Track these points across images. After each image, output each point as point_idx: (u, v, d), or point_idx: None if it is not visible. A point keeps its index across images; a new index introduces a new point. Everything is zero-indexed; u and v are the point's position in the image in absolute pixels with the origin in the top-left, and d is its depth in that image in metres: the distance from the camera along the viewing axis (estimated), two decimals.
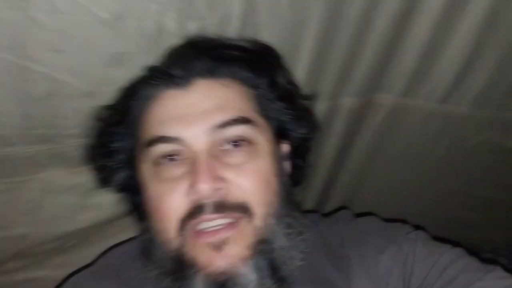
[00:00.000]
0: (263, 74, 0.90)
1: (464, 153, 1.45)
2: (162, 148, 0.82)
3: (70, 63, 0.89)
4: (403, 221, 0.99)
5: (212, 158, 0.79)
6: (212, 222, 0.78)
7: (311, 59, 1.09)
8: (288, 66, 1.07)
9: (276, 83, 0.92)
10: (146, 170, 0.85)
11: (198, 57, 0.86)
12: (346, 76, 1.17)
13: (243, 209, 0.80)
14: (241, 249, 0.78)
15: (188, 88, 0.85)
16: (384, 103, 1.29)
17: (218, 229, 0.78)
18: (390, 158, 1.47)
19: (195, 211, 0.78)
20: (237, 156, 0.82)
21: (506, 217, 1.77)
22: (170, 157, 0.82)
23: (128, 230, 1.10)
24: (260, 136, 0.85)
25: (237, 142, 0.82)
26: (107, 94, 0.94)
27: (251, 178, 0.81)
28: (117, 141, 0.91)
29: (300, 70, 1.11)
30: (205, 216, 0.77)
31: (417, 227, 0.95)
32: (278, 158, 0.89)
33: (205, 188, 0.76)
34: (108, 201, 1.09)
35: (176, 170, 0.81)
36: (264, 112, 0.89)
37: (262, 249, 0.80)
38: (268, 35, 1.00)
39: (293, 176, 0.98)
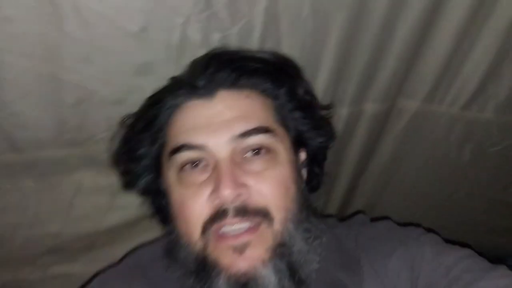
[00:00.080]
0: (282, 85, 0.94)
1: (488, 159, 1.43)
2: (186, 155, 0.86)
3: (99, 73, 0.94)
4: (418, 225, 1.00)
5: (234, 165, 0.83)
6: (234, 226, 0.81)
7: (333, 66, 1.11)
8: (310, 73, 1.09)
9: (295, 94, 0.95)
10: (170, 175, 0.89)
11: (221, 69, 0.90)
12: (368, 82, 1.18)
13: (263, 214, 0.83)
14: (262, 252, 0.82)
15: (212, 98, 0.88)
16: (407, 109, 1.29)
17: (240, 233, 0.81)
18: (413, 163, 1.46)
19: (218, 215, 0.81)
20: (258, 164, 0.86)
21: None
22: (194, 163, 0.86)
23: (153, 230, 1.14)
24: (279, 144, 0.88)
25: (257, 150, 0.86)
26: (135, 101, 0.99)
27: (270, 185, 0.84)
28: (142, 147, 0.95)
29: (322, 77, 1.12)
30: (227, 220, 0.81)
31: (430, 231, 0.96)
32: (296, 166, 0.92)
33: (228, 194, 0.80)
34: (135, 202, 1.12)
35: (199, 176, 0.85)
36: (283, 122, 0.92)
37: (281, 252, 0.83)
38: (289, 44, 1.03)
39: (310, 183, 1.01)
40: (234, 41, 0.98)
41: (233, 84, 0.90)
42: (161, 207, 1.00)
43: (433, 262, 0.85)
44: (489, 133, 1.35)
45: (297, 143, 0.95)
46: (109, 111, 1.01)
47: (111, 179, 1.11)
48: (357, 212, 1.11)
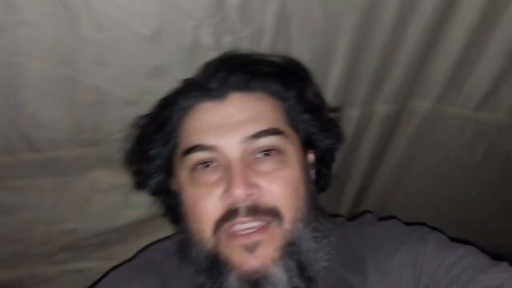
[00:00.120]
0: (292, 88, 0.96)
1: (501, 160, 1.43)
2: (199, 155, 0.88)
3: (113, 75, 0.97)
4: (424, 225, 1.00)
5: (245, 166, 0.85)
6: (245, 224, 0.84)
7: (344, 68, 1.12)
8: (321, 75, 1.10)
9: (304, 97, 0.97)
10: (183, 175, 0.91)
11: (233, 72, 0.92)
12: (379, 83, 1.19)
13: (273, 213, 0.85)
14: (272, 251, 0.84)
15: (224, 100, 0.91)
16: (419, 110, 1.29)
17: (251, 232, 0.84)
18: (425, 164, 1.46)
19: (230, 214, 0.83)
20: (268, 164, 0.88)
21: None
22: (206, 164, 0.88)
23: (165, 228, 1.16)
24: (289, 146, 0.90)
25: (268, 152, 0.88)
26: (148, 103, 1.01)
27: (281, 185, 0.86)
28: (154, 147, 0.97)
29: (333, 78, 1.14)
30: (239, 219, 0.83)
31: (436, 229, 0.97)
32: (305, 167, 0.94)
33: (240, 193, 0.82)
34: (148, 201, 1.14)
35: (211, 176, 0.87)
36: (293, 124, 0.94)
37: (291, 250, 0.85)
38: (300, 47, 1.04)
39: (318, 183, 1.03)
40: (245, 44, 0.99)
41: (245, 86, 0.92)
42: (171, 206, 1.03)
43: (435, 260, 0.86)
44: (501, 134, 1.35)
45: (306, 144, 0.96)
46: (123, 112, 1.03)
47: (125, 178, 1.13)
48: (365, 212, 1.12)
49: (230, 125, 0.88)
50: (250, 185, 0.83)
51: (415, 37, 1.09)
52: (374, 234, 0.98)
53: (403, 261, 0.90)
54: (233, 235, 0.84)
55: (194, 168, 0.88)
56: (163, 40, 0.93)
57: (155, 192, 1.05)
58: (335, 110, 1.10)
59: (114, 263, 1.11)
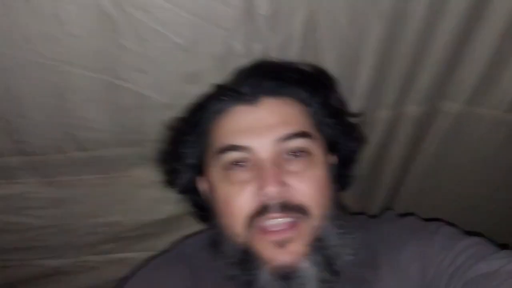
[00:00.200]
0: (317, 95, 1.00)
1: None
2: (232, 155, 0.93)
3: (152, 81, 1.03)
4: (442, 221, 1.03)
5: (276, 166, 0.90)
6: (276, 220, 0.88)
7: (372, 71, 1.14)
8: (349, 78, 1.14)
9: (328, 102, 1.02)
10: (216, 174, 0.96)
11: (265, 78, 0.97)
12: (408, 86, 1.21)
13: (302, 211, 0.90)
14: (301, 246, 0.89)
15: (256, 104, 0.96)
16: (450, 111, 1.30)
17: (282, 229, 0.88)
18: (457, 165, 1.46)
19: (262, 210, 0.88)
20: (297, 165, 0.92)
21: None
22: (238, 163, 0.93)
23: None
24: (316, 148, 0.95)
25: (297, 153, 0.93)
26: (184, 106, 1.07)
27: (309, 184, 0.91)
28: (187, 147, 1.03)
29: (361, 81, 1.16)
30: (270, 215, 0.88)
31: (451, 224, 0.98)
32: (329, 168, 0.99)
33: (272, 191, 0.87)
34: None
35: (244, 174, 0.92)
36: (318, 127, 0.99)
37: (318, 246, 0.90)
38: (328, 53, 1.08)
39: (340, 184, 1.07)
40: (274, 51, 1.04)
41: (275, 92, 0.97)
42: (198, 204, 1.10)
43: (441, 252, 0.89)
44: None
45: (329, 147, 1.01)
46: (161, 115, 1.09)
47: None
48: (385, 209, 1.16)
49: (263, 128, 0.93)
50: (282, 183, 0.88)
51: (444, 40, 1.10)
52: (388, 230, 1.02)
53: (411, 255, 0.93)
54: (265, 231, 0.88)
55: (228, 167, 0.93)
56: (197, 48, 0.99)
57: (184, 190, 1.11)
58: (356, 115, 1.14)
59: (153, 254, 1.17)
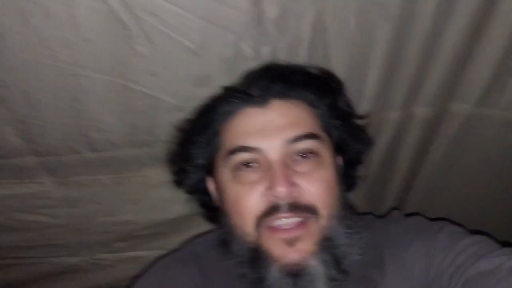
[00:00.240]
0: (325, 97, 1.02)
1: None
2: (242, 156, 0.95)
3: (164, 84, 1.06)
4: (447, 220, 1.03)
5: (286, 167, 0.92)
6: (286, 220, 0.90)
7: (381, 73, 1.16)
8: (358, 80, 1.15)
9: (336, 105, 1.03)
10: (226, 174, 0.98)
11: (274, 81, 0.99)
12: (417, 87, 1.22)
13: (311, 210, 0.91)
14: (310, 245, 0.90)
15: (266, 106, 0.98)
16: (459, 112, 1.30)
17: (291, 228, 0.90)
18: (467, 166, 1.46)
19: (271, 210, 0.90)
20: (306, 166, 0.94)
21: None
22: (248, 164, 0.95)
23: None
24: (324, 149, 0.97)
25: (305, 154, 0.95)
26: (194, 108, 1.09)
27: (318, 184, 0.93)
28: (196, 148, 1.05)
29: (370, 83, 1.18)
30: (280, 215, 0.90)
31: (458, 224, 0.99)
32: (337, 168, 1.00)
33: (282, 191, 0.89)
34: None
35: (253, 175, 0.94)
36: (326, 129, 1.01)
37: (327, 245, 0.91)
38: (337, 55, 1.10)
39: (346, 184, 1.09)
40: (283, 54, 1.06)
41: (284, 94, 0.99)
42: (206, 204, 1.12)
43: (443, 252, 0.90)
44: None
45: (337, 148, 1.03)
46: (172, 116, 1.12)
47: None
48: (392, 209, 1.16)
49: (272, 129, 0.94)
50: (291, 184, 0.90)
51: (453, 42, 1.11)
52: (394, 229, 1.03)
53: (416, 254, 0.94)
54: (274, 229, 0.90)
55: (238, 167, 0.95)
56: (207, 52, 1.01)
57: (193, 191, 1.13)
58: (363, 117, 1.15)
59: (165, 252, 1.19)
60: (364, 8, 1.02)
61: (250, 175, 0.94)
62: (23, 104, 1.04)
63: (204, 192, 1.09)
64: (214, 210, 1.09)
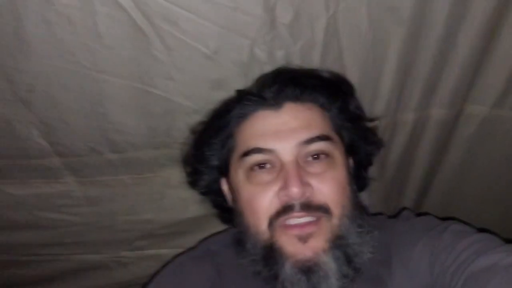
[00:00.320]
0: (337, 100, 1.05)
1: None
2: (256, 157, 0.98)
3: (181, 88, 1.09)
4: (456, 220, 1.03)
5: (299, 167, 0.94)
6: (299, 219, 0.93)
7: (396, 75, 1.17)
8: (372, 82, 1.17)
9: (347, 108, 1.06)
10: (240, 175, 1.01)
11: (287, 84, 1.02)
12: (433, 88, 1.22)
13: (324, 210, 0.94)
14: (322, 242, 0.93)
15: (279, 109, 1.00)
16: (476, 114, 1.31)
17: (304, 224, 0.93)
18: (486, 168, 1.46)
19: (285, 210, 0.93)
20: (318, 167, 0.97)
21: None
22: (262, 165, 0.98)
23: None
24: (336, 150, 0.99)
25: (318, 155, 0.97)
26: (210, 111, 1.12)
27: (330, 185, 0.95)
28: (211, 150, 1.08)
29: (385, 85, 1.19)
30: (293, 214, 0.92)
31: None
32: (349, 169, 1.03)
33: (296, 191, 0.91)
34: None
35: (267, 176, 0.97)
36: (338, 131, 1.03)
37: (339, 243, 0.94)
38: (350, 58, 1.12)
39: (357, 185, 1.10)
40: (296, 57, 1.08)
41: (297, 97, 1.01)
42: (220, 205, 1.15)
43: (446, 250, 0.91)
44: None
45: (348, 150, 1.05)
46: (190, 119, 1.15)
47: None
48: (403, 209, 1.17)
49: (286, 131, 0.97)
50: (304, 184, 0.92)
51: (468, 43, 1.12)
52: (402, 229, 1.04)
53: (422, 253, 0.95)
54: (288, 226, 0.93)
55: (251, 168, 0.98)
56: (222, 57, 1.04)
57: (207, 191, 1.16)
58: (374, 119, 1.18)
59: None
60: (376, 12, 1.03)
61: (264, 175, 0.97)
62: (48, 108, 1.08)
63: (218, 193, 1.12)
64: (227, 210, 1.12)
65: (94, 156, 1.21)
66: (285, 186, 0.92)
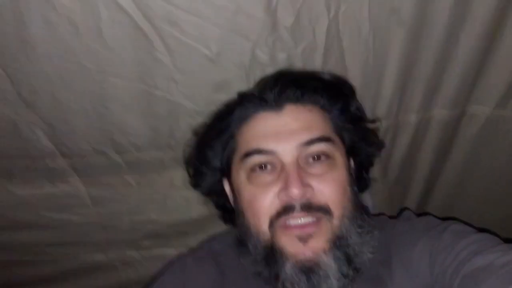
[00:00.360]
0: (337, 102, 1.05)
1: None
2: (257, 158, 0.99)
3: (183, 90, 1.10)
4: (459, 220, 1.03)
5: (299, 169, 0.95)
6: (299, 219, 0.94)
7: (397, 76, 1.17)
8: (374, 84, 1.17)
9: (348, 109, 1.06)
10: (241, 176, 1.02)
11: (288, 86, 1.02)
12: (435, 89, 1.23)
13: (324, 210, 0.94)
14: (323, 242, 0.93)
15: (280, 111, 1.01)
16: (479, 115, 1.30)
17: (305, 225, 0.93)
18: (489, 168, 1.45)
19: (285, 210, 0.94)
20: (319, 168, 0.97)
21: None
22: (262, 166, 0.99)
23: None
24: (337, 152, 1.00)
25: (318, 156, 0.98)
26: (213, 113, 1.13)
27: (330, 186, 0.96)
28: (213, 151, 1.09)
29: (387, 87, 1.19)
30: (294, 214, 0.93)
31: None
32: (349, 170, 1.03)
33: (296, 192, 0.92)
34: None
35: (268, 177, 0.98)
36: (338, 133, 1.04)
37: (339, 243, 0.94)
38: (352, 60, 1.12)
39: (358, 186, 1.10)
40: (298, 59, 1.09)
41: (298, 99, 1.02)
42: (222, 205, 1.16)
43: (446, 250, 0.90)
44: None
45: (349, 151, 1.05)
46: (193, 121, 1.16)
47: None
48: (404, 209, 1.17)
49: (286, 133, 0.98)
50: (305, 185, 0.93)
51: (469, 44, 1.12)
52: (402, 229, 1.04)
53: (421, 253, 0.95)
54: (288, 227, 0.94)
55: (253, 169, 0.99)
56: (224, 59, 1.05)
57: (210, 192, 1.17)
58: (374, 121, 1.18)
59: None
60: (377, 13, 1.04)
61: (265, 176, 0.98)
62: (52, 109, 1.10)
63: (221, 193, 1.13)
64: (229, 211, 1.13)
65: (98, 157, 1.23)
66: (285, 187, 0.93)
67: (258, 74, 1.10)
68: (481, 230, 0.96)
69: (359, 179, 1.11)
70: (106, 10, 0.93)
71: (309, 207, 0.93)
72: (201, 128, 1.15)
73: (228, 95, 1.11)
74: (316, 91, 1.03)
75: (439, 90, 1.23)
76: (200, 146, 1.14)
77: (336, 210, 0.95)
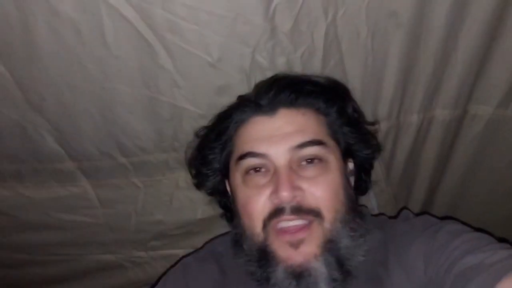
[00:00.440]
0: (333, 105, 1.07)
1: None
2: (251, 161, 1.02)
3: (186, 94, 1.13)
4: (457, 220, 1.05)
5: (291, 171, 0.98)
6: (290, 222, 0.96)
7: (397, 78, 1.18)
8: (374, 85, 1.18)
9: (344, 112, 1.08)
10: (236, 178, 1.05)
11: (282, 91, 1.05)
12: (436, 90, 1.24)
13: (315, 213, 0.97)
14: (314, 248, 0.95)
15: (274, 115, 1.04)
16: (481, 114, 1.31)
17: (296, 231, 0.95)
18: (492, 168, 1.46)
19: (276, 212, 0.96)
20: (311, 171, 1.00)
21: None
22: (256, 169, 1.02)
23: None
24: (330, 155, 1.02)
25: (311, 160, 1.00)
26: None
27: (322, 189, 0.98)
28: (213, 153, 1.12)
29: (387, 88, 1.21)
30: (284, 217, 0.96)
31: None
32: (345, 173, 1.05)
33: (286, 195, 0.94)
34: None
35: (261, 179, 1.01)
36: (334, 135, 1.05)
37: (330, 247, 0.96)
38: (351, 63, 1.14)
39: (358, 188, 1.13)
40: (298, 64, 1.11)
41: (292, 103, 1.05)
42: (225, 205, 1.19)
43: (440, 250, 0.92)
44: None
45: (347, 154, 1.07)
46: (196, 124, 1.19)
47: None
48: (402, 209, 1.18)
49: (279, 136, 1.00)
50: (295, 188, 0.96)
51: (469, 44, 1.13)
52: (400, 229, 1.05)
53: (417, 252, 0.96)
54: (280, 232, 0.96)
55: (247, 172, 1.02)
56: (225, 64, 1.08)
57: (212, 192, 1.20)
58: (371, 123, 1.19)
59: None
60: (375, 16, 1.05)
61: (259, 179, 1.01)
62: (60, 114, 1.14)
63: (223, 193, 1.17)
64: (232, 211, 1.15)
65: (106, 160, 1.26)
66: (276, 190, 0.95)
67: (259, 77, 1.12)
68: (478, 229, 0.97)
69: (358, 182, 1.13)
70: (110, 21, 0.97)
71: (299, 210, 0.95)
72: (202, 131, 1.18)
73: (230, 98, 1.14)
74: (311, 95, 1.06)
75: (439, 90, 1.24)
76: (201, 148, 1.17)
77: (328, 213, 0.97)
